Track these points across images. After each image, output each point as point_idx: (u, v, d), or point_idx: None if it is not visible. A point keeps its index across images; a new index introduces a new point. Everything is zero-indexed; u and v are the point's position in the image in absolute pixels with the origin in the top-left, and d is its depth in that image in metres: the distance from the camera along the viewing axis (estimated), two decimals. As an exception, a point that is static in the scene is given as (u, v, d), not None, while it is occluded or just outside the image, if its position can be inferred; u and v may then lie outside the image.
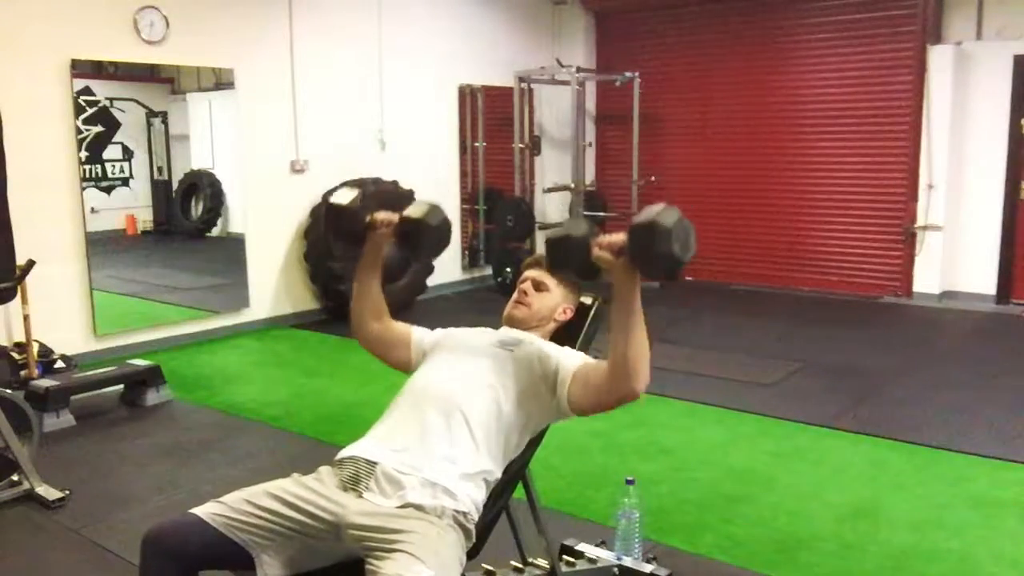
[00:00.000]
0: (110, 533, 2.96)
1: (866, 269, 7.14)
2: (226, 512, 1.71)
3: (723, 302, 7.08)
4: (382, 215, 2.04)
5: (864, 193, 7.07)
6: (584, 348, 2.10)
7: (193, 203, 6.45)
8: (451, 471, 1.77)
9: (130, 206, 6.07)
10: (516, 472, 2.02)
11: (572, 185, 7.61)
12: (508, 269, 7.20)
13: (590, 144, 8.41)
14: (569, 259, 1.76)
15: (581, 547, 2.59)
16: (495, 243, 7.61)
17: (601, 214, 8.03)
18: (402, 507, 1.71)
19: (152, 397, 4.36)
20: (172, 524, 1.71)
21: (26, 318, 4.53)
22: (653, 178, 7.77)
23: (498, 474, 1.87)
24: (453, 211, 7.31)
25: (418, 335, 2.13)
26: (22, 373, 4.47)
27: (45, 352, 4.73)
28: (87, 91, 5.33)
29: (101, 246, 5.31)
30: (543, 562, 2.39)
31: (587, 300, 2.18)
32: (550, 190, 7.86)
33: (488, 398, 1.86)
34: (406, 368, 2.10)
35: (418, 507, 1.71)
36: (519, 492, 2.15)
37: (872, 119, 6.92)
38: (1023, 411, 4.16)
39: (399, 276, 6.18)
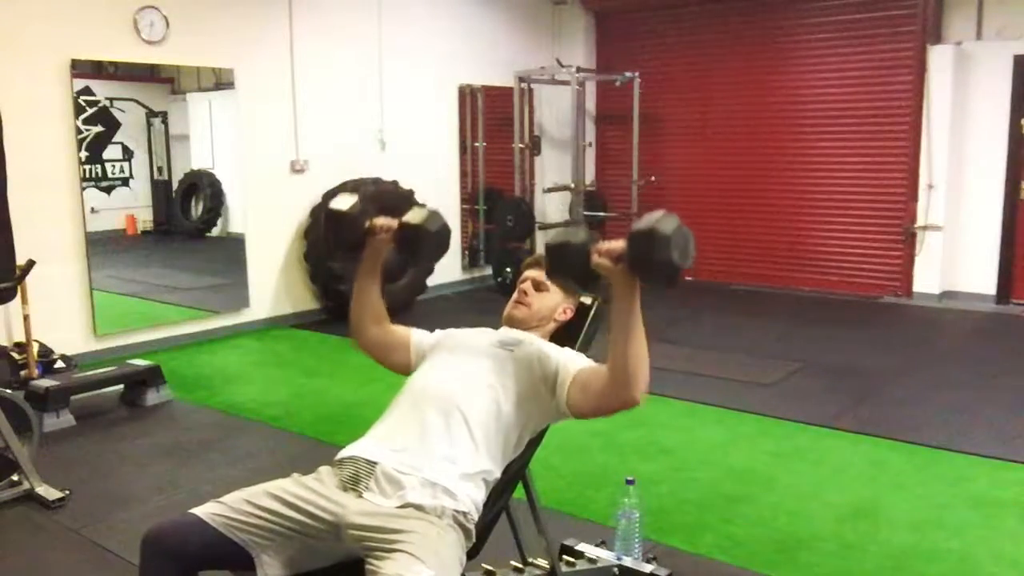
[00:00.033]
0: (110, 533, 2.96)
1: (866, 269, 7.14)
2: (226, 512, 1.71)
3: (723, 302, 7.08)
4: (381, 221, 2.04)
5: (864, 193, 7.07)
6: (584, 348, 2.09)
7: (193, 203, 6.45)
8: (451, 471, 1.77)
9: (130, 206, 6.06)
10: (516, 472, 2.02)
11: (572, 185, 7.61)
12: (508, 269, 7.20)
13: (590, 144, 8.41)
14: (568, 266, 1.76)
15: (581, 547, 2.59)
16: (495, 243, 7.61)
17: (601, 214, 8.04)
18: (402, 507, 1.71)
19: (152, 397, 4.36)
20: (172, 524, 1.71)
21: (26, 318, 4.54)
22: (653, 178, 7.78)
23: (498, 474, 1.87)
24: (453, 211, 7.32)
25: (417, 338, 2.13)
26: (22, 373, 4.47)
27: (45, 352, 4.73)
28: (87, 91, 5.33)
29: (101, 246, 5.31)
30: (543, 562, 2.39)
31: (587, 300, 2.18)
32: (550, 190, 7.86)
33: (488, 398, 1.86)
34: (405, 371, 2.10)
35: (418, 507, 1.71)
36: (519, 492, 2.15)
37: (872, 119, 6.92)
38: (1023, 411, 4.16)
39: (399, 276, 6.18)
